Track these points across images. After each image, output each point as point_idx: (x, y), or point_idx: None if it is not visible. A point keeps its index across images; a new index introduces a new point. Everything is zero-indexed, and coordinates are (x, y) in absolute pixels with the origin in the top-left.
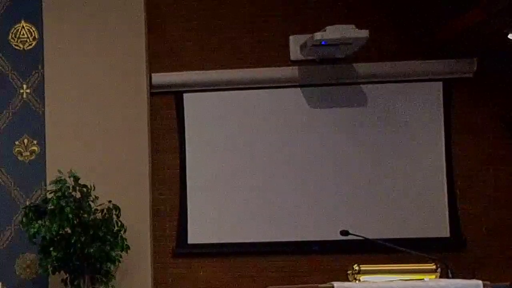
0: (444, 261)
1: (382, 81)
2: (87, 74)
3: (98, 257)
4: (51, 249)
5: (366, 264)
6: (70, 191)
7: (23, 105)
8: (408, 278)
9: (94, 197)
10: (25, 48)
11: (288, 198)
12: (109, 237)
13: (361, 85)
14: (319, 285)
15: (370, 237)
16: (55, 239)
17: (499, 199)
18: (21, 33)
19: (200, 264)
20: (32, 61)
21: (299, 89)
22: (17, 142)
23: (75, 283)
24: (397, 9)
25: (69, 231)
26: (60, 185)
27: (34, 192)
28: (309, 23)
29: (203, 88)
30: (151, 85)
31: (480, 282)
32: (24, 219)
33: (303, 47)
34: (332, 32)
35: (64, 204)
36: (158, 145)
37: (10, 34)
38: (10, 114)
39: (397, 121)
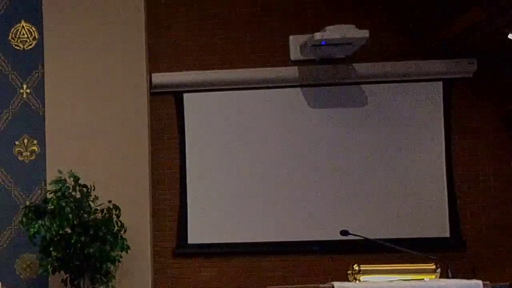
0: (444, 261)
1: (382, 81)
2: (87, 74)
3: (98, 257)
4: (51, 249)
5: (366, 264)
6: (70, 191)
7: (23, 105)
8: (408, 278)
9: (94, 197)
10: (25, 48)
11: (288, 198)
12: (109, 237)
13: (361, 85)
14: (319, 285)
15: (370, 237)
16: (55, 239)
17: (499, 199)
18: (21, 33)
19: (200, 264)
20: (32, 61)
21: (299, 89)
22: (17, 142)
23: (75, 283)
24: (397, 9)
25: (69, 231)
26: (60, 185)
27: (34, 192)
28: (309, 23)
29: (203, 88)
30: (151, 85)
31: (480, 282)
32: (24, 219)
33: (303, 47)
34: (332, 32)
35: (64, 204)
36: (158, 145)
37: (10, 34)
38: (10, 114)
39: (397, 121)
